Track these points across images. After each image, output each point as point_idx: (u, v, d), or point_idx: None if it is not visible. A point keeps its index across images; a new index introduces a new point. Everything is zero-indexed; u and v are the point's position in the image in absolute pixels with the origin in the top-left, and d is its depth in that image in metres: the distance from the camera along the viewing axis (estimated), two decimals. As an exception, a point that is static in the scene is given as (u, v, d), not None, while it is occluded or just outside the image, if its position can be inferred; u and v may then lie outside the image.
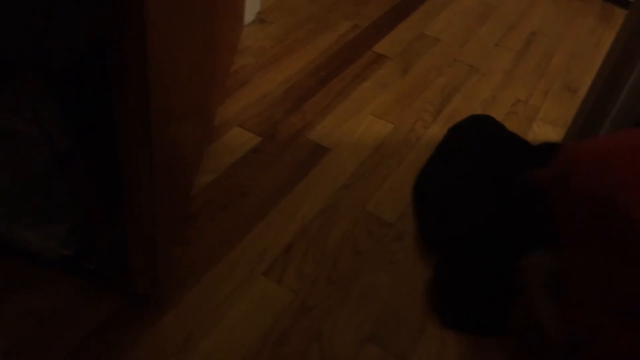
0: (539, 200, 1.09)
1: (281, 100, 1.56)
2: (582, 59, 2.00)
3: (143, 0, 0.68)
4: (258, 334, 1.00)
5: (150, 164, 0.85)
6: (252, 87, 1.59)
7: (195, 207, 1.22)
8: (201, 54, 1.14)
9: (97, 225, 1.05)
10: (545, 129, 1.64)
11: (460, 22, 2.10)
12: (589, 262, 0.85)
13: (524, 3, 2.31)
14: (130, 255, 0.96)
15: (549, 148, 1.40)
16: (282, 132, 1.46)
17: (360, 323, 1.06)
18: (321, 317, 1.05)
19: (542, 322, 0.89)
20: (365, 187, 1.35)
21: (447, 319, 1.07)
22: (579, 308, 0.83)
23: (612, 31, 2.18)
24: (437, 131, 1.56)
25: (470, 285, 1.10)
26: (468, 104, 1.69)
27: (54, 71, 0.92)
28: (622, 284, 0.79)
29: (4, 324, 0.95)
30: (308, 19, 1.93)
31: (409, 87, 1.72)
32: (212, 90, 1.35)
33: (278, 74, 1.66)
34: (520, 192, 1.18)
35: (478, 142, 1.45)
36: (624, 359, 0.76)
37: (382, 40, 1.91)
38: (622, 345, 0.77)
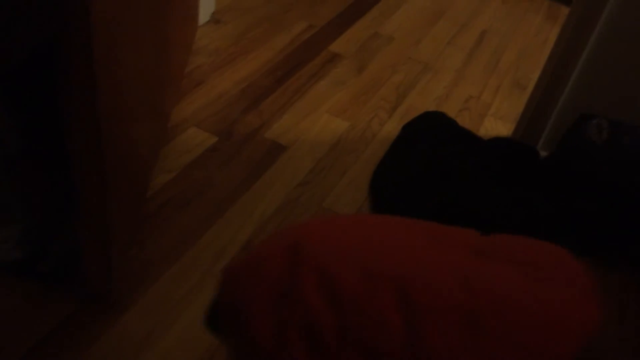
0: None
1: (238, 100, 1.57)
2: (531, 57, 2.07)
3: (89, 0, 0.68)
4: (217, 331, 1.01)
5: (101, 165, 0.84)
6: (208, 87, 1.59)
7: (152, 207, 1.21)
8: (154, 54, 1.14)
9: (50, 227, 1.04)
10: (496, 125, 1.70)
11: (414, 21, 2.14)
12: None
13: (475, 3, 2.37)
14: (84, 257, 0.95)
15: (499, 143, 1.45)
16: (239, 131, 1.47)
17: (319, 316, 1.07)
18: (280, 312, 1.06)
19: None
20: (323, 183, 1.37)
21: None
22: None
23: (558, 29, 2.26)
24: (392, 128, 1.59)
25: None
26: (422, 101, 1.73)
27: (1, 72, 0.91)
28: None
29: (-47, 330, 0.93)
30: (264, 19, 1.94)
31: (365, 85, 1.74)
32: (167, 90, 1.34)
33: (234, 73, 1.66)
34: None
35: (431, 138, 1.49)
36: None
37: (338, 39, 1.93)
38: None
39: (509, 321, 0.62)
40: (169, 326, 1.00)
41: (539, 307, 0.64)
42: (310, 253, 0.66)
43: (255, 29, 1.88)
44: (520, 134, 1.55)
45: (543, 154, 1.51)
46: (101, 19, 0.73)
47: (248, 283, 0.66)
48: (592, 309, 0.68)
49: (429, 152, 1.41)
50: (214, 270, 1.11)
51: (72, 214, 0.98)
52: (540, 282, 0.69)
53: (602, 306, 0.69)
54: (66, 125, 0.79)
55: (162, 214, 1.20)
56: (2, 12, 0.78)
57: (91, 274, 0.98)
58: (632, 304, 0.94)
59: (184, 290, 1.06)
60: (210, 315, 0.73)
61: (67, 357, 0.92)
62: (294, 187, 1.34)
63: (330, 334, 0.61)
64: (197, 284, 1.08)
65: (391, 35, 2.02)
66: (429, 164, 1.37)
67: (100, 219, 0.91)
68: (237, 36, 1.82)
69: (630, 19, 1.29)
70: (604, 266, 1.25)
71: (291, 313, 0.62)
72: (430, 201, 1.24)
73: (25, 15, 0.79)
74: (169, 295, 1.05)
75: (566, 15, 1.42)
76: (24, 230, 1.01)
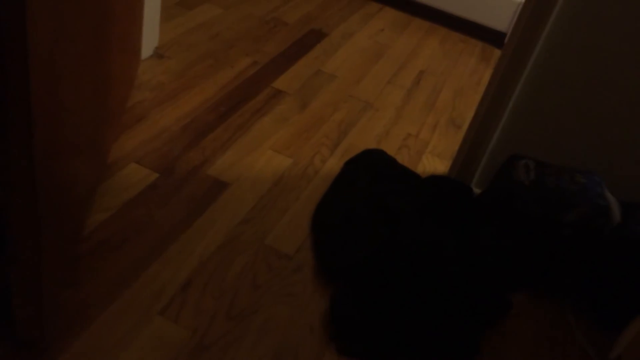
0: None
1: (180, 136, 1.56)
2: (466, 96, 2.17)
3: (25, 34, 0.68)
4: (153, 376, 0.98)
5: (34, 203, 0.82)
6: (150, 123, 1.58)
7: (87, 246, 1.18)
8: (93, 88, 1.12)
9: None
10: (433, 162, 1.76)
11: (355, 60, 2.21)
12: None
13: (413, 43, 2.47)
14: (14, 300, 0.91)
15: (435, 181, 1.51)
16: (180, 168, 1.46)
17: (260, 357, 1.07)
18: (219, 354, 1.05)
19: None
20: (265, 221, 1.38)
21: (343, 347, 1.11)
22: None
23: (491, 70, 2.38)
24: (334, 165, 1.62)
25: (364, 313, 1.15)
26: (363, 138, 1.77)
27: None
28: None
29: None
30: (207, 54, 1.95)
31: (307, 122, 1.78)
32: (106, 125, 1.32)
33: (177, 109, 1.66)
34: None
35: (371, 176, 1.52)
36: None
37: (281, 76, 1.97)
38: None
39: None
40: (103, 372, 0.96)
41: None
42: None
43: (199, 64, 1.89)
44: (456, 171, 1.61)
45: (477, 191, 1.57)
46: (39, 51, 0.72)
47: None
48: None
49: (368, 191, 1.44)
50: (151, 312, 1.09)
51: (0, 254, 0.94)
52: None
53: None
54: (-3, 164, 0.77)
55: (98, 254, 1.17)
56: None
57: (22, 318, 0.94)
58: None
59: (121, 333, 1.03)
60: None
61: (-10, 409, 0.88)
62: (235, 224, 1.34)
63: None
64: (134, 326, 1.05)
65: (333, 73, 2.08)
66: (369, 204, 1.40)
67: (31, 260, 0.88)
68: (181, 71, 1.83)
69: (556, 64, 1.38)
70: (531, 297, 1.31)
71: None
72: (367, 241, 1.27)
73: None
74: (103, 340, 1.02)
75: (498, 57, 1.51)
76: (-52, 274, 0.96)
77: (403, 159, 1.72)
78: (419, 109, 2.01)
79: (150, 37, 1.83)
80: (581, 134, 1.43)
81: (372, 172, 1.53)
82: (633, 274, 1.22)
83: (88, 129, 1.13)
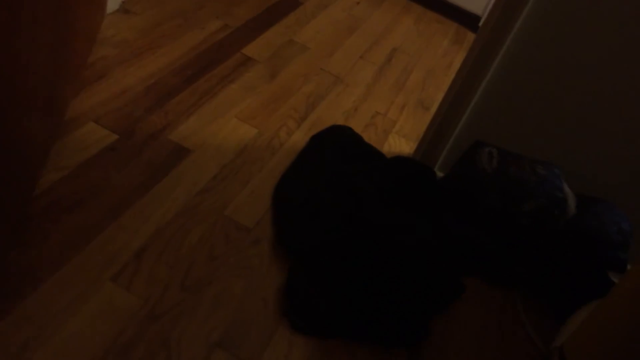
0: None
1: (142, 97, 1.51)
2: (436, 78, 2.17)
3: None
4: (101, 343, 0.96)
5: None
6: (112, 81, 1.52)
7: (38, 206, 1.14)
8: (52, 40, 1.07)
9: None
10: (399, 142, 1.76)
11: (329, 32, 2.17)
12: None
13: (388, 19, 2.45)
14: (-45, 260, 0.88)
15: (399, 162, 1.51)
16: (141, 131, 1.41)
17: (211, 329, 1.06)
18: (171, 324, 1.04)
19: None
20: (225, 191, 1.35)
21: (296, 323, 1.11)
22: None
23: (463, 53, 2.38)
24: (299, 138, 1.60)
25: (318, 291, 1.15)
26: (331, 113, 1.75)
27: None
28: None
29: None
30: (177, 13, 1.88)
31: (276, 92, 1.74)
32: (65, 80, 1.26)
33: (140, 69, 1.60)
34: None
35: (337, 153, 1.51)
36: None
37: (252, 42, 1.92)
38: None
39: None
40: (49, 337, 0.94)
41: None
42: None
43: (167, 23, 1.82)
44: (420, 153, 1.62)
45: (440, 174, 1.58)
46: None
47: None
48: None
49: (332, 169, 1.43)
50: (103, 278, 1.06)
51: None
52: None
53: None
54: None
55: (49, 215, 1.13)
56: None
57: (-38, 279, 0.90)
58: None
59: (68, 298, 1.01)
60: None
61: None
62: (195, 193, 1.32)
63: None
64: (83, 292, 1.03)
65: (305, 44, 2.04)
66: (333, 182, 1.39)
67: (-24, 221, 0.84)
68: (147, 29, 1.76)
69: (527, 54, 1.38)
70: (483, 283, 1.34)
71: None
72: (326, 222, 1.26)
73: None
74: (50, 303, 0.99)
75: (471, 41, 1.50)
76: None
77: (370, 137, 1.72)
78: (388, 87, 2.00)
79: (117, -9, 1.75)
80: (546, 125, 1.44)
81: (337, 149, 1.52)
82: (583, 266, 1.26)
83: (45, 82, 1.08)
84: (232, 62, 1.79)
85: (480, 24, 2.22)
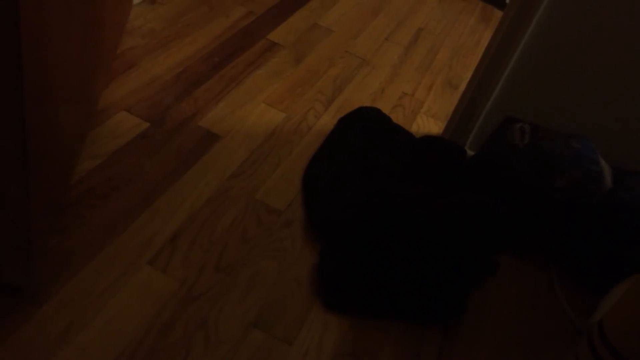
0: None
1: (171, 85, 1.53)
2: (464, 57, 2.13)
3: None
4: (141, 324, 0.99)
5: (22, 149, 0.80)
6: (141, 71, 1.54)
7: (76, 194, 1.17)
8: (83, 33, 1.09)
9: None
10: (428, 122, 1.74)
11: (353, 14, 2.16)
12: None
13: (412, 1, 2.42)
14: (1, 246, 0.90)
15: (429, 141, 1.49)
16: (171, 118, 1.43)
17: (247, 309, 1.07)
18: (207, 305, 1.06)
19: None
20: (256, 175, 1.36)
21: (330, 303, 1.12)
22: None
23: (490, 31, 2.34)
24: (327, 121, 1.60)
25: (352, 270, 1.15)
26: (358, 95, 1.75)
27: None
28: None
29: None
30: (201, 2, 1.90)
31: (302, 76, 1.74)
32: (96, 71, 1.29)
33: (169, 57, 1.62)
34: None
35: (365, 134, 1.51)
36: None
37: (277, 28, 1.92)
38: None
39: None
40: (90, 320, 0.97)
41: None
42: None
43: (193, 11, 1.83)
44: (450, 132, 1.60)
45: (470, 153, 1.56)
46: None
47: None
48: None
49: (361, 148, 1.43)
50: (139, 261, 1.09)
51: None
52: None
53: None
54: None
55: (87, 202, 1.16)
56: None
57: (8, 264, 0.93)
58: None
59: (107, 282, 1.03)
60: None
61: (-23, 352, 0.88)
62: (226, 178, 1.33)
63: None
64: (121, 276, 1.05)
65: (330, 27, 2.03)
66: (360, 161, 1.39)
67: (18, 206, 0.86)
68: (173, 18, 1.77)
69: (557, 29, 1.35)
70: (518, 259, 1.32)
71: None
72: (356, 200, 1.26)
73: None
74: (90, 287, 1.02)
75: (499, 18, 1.48)
76: None
77: (397, 118, 1.70)
78: (415, 68, 1.98)
79: (142, -18, 1.77)
80: (578, 99, 1.41)
81: (365, 130, 1.51)
82: (619, 240, 1.24)
83: (77, 74, 1.10)
84: (258, 48, 1.79)
85: (508, 1, 2.18)
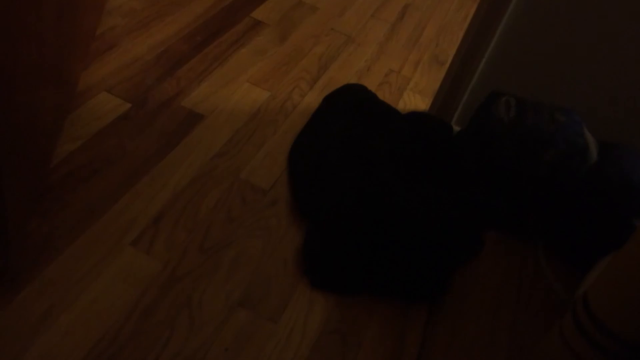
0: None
1: (153, 66, 1.50)
2: (451, 33, 2.11)
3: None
4: (124, 306, 0.98)
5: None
6: (121, 51, 1.51)
7: (56, 176, 1.15)
8: (58, 13, 1.06)
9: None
10: (414, 99, 1.73)
11: (339, -9, 2.12)
12: None
13: (400, -24, 2.38)
14: (-23, 230, 0.89)
15: (415, 117, 1.48)
16: (153, 99, 1.41)
17: (231, 289, 1.07)
18: (191, 285, 1.05)
19: None
20: (240, 154, 1.35)
21: (316, 281, 1.12)
22: None
23: (478, 7, 2.31)
24: (312, 99, 1.58)
25: (337, 249, 1.15)
26: (344, 73, 1.73)
27: None
28: None
29: None
30: (183, -20, 1.86)
31: (287, 55, 1.72)
32: (74, 52, 1.26)
33: (150, 37, 1.59)
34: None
35: (351, 112, 1.49)
36: None
37: (261, 6, 1.89)
38: None
39: None
40: (72, 302, 0.96)
41: None
42: None
43: (174, -10, 1.80)
44: (436, 108, 1.59)
45: (456, 129, 1.55)
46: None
47: None
48: None
49: (347, 127, 1.41)
50: (122, 243, 1.08)
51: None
52: None
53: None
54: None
55: (67, 185, 1.14)
56: None
57: (-15, 248, 0.92)
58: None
59: (89, 265, 1.02)
60: None
61: (-43, 336, 0.87)
62: (210, 158, 1.32)
63: None
64: (103, 258, 1.04)
65: (315, 4, 2.00)
66: (346, 140, 1.38)
67: (-7, 190, 0.85)
68: (154, -2, 1.74)
69: (540, 2, 1.33)
70: (503, 237, 1.32)
71: None
72: (341, 183, 1.25)
73: None
74: (72, 270, 1.00)
75: (483, -7, 1.45)
76: None
77: (384, 95, 1.69)
78: (402, 44, 1.96)
79: (121, -40, 1.73)
80: (563, 71, 1.40)
81: (351, 108, 1.50)
82: (606, 214, 1.23)
83: (53, 54, 1.08)
84: (242, 27, 1.76)
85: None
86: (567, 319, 1.02)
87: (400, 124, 1.46)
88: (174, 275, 1.06)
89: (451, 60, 1.54)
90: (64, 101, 1.23)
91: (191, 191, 1.22)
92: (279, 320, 1.04)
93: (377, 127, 1.44)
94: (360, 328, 1.08)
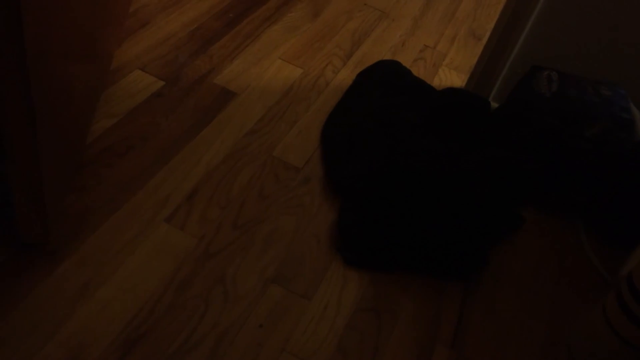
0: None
1: (186, 43, 1.50)
2: (488, 7, 2.05)
3: None
4: (159, 280, 0.99)
5: (30, 108, 0.79)
6: (155, 29, 1.51)
7: (92, 153, 1.16)
8: (92, -10, 1.06)
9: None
10: (450, 75, 1.68)
11: (373, -34, 2.08)
12: None
13: (436, -51, 2.31)
14: (17, 204, 0.91)
15: (451, 93, 1.44)
16: (186, 76, 1.41)
17: (265, 265, 1.07)
18: (225, 261, 1.05)
19: None
20: (273, 132, 1.34)
21: (350, 258, 1.10)
22: None
23: (517, -20, 2.23)
24: (346, 76, 1.56)
25: (371, 225, 1.13)
26: (377, 49, 1.69)
27: None
28: None
29: None
30: (215, -43, 1.84)
31: (320, 31, 1.69)
32: (108, 30, 1.27)
33: (182, 14, 1.58)
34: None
35: (384, 88, 1.46)
36: None
37: (293, -18, 1.86)
38: None
39: None
40: (109, 276, 0.97)
41: None
42: None
43: (206, -32, 1.78)
44: (473, 84, 1.55)
45: (494, 105, 1.51)
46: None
47: None
48: None
49: (381, 103, 1.39)
50: (157, 219, 1.08)
51: (1, 159, 0.92)
52: None
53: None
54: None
55: (103, 161, 1.15)
56: None
57: (25, 222, 0.94)
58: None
59: (125, 239, 1.03)
60: None
61: None
62: (243, 135, 1.31)
63: None
64: (139, 233, 1.05)
65: (348, -21, 1.96)
66: (380, 116, 1.35)
67: (31, 165, 0.86)
68: (187, -25, 1.73)
69: (585, -30, 1.27)
70: (544, 213, 1.28)
71: None
72: (375, 156, 1.23)
73: None
74: (108, 244, 1.02)
75: (523, -37, 1.39)
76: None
77: (419, 71, 1.65)
78: (437, 19, 1.91)
79: (154, -63, 1.72)
80: (607, 45, 1.34)
81: (385, 84, 1.47)
82: (652, 192, 1.18)
83: (87, 32, 1.08)
84: (274, 3, 1.74)
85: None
86: (611, 299, 0.99)
87: (436, 100, 1.43)
88: (208, 251, 1.06)
89: (489, 35, 1.49)
90: (99, 78, 1.24)
91: (224, 168, 1.22)
92: (312, 296, 1.04)
93: (411, 102, 1.41)
94: (396, 306, 1.07)
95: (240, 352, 0.93)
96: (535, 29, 1.40)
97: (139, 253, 1.02)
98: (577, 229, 1.31)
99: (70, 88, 1.00)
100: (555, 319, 1.12)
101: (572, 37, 1.37)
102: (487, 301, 1.12)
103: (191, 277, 1.01)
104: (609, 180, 1.21)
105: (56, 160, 0.95)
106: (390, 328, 1.03)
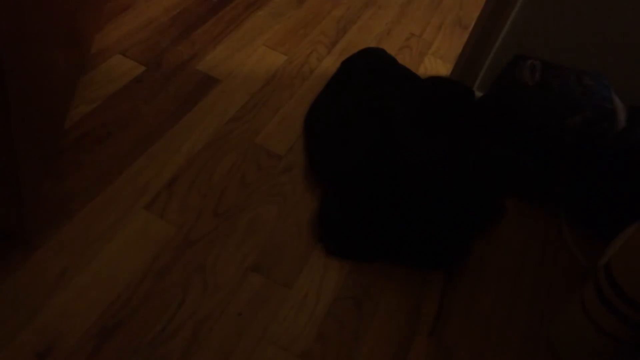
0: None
1: (168, 28, 1.48)
2: (475, -4, 2.04)
3: None
4: (137, 268, 0.98)
5: (2, 92, 0.77)
6: (136, 13, 1.49)
7: (71, 139, 1.14)
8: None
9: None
10: (435, 64, 1.68)
11: (359, -48, 2.06)
12: None
13: (423, -64, 2.29)
14: (-10, 190, 0.89)
15: (435, 82, 1.44)
16: (168, 62, 1.39)
17: (245, 254, 1.06)
18: (205, 249, 1.04)
19: None
20: (256, 119, 1.33)
21: (331, 248, 1.10)
22: None
23: (504, -31, 2.22)
24: (331, 63, 1.55)
25: (353, 214, 1.13)
26: (363, 37, 1.68)
27: None
28: None
29: None
30: (199, -59, 1.81)
31: (304, 18, 1.68)
32: (88, 13, 1.24)
33: (165, -1, 1.56)
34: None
35: (369, 76, 1.46)
36: None
37: (278, -33, 1.83)
38: None
39: None
40: (86, 264, 0.96)
41: None
42: None
43: (190, -49, 1.76)
44: (458, 73, 1.54)
45: (479, 94, 1.51)
46: None
47: None
48: None
49: (363, 92, 1.38)
50: (136, 207, 1.07)
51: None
52: None
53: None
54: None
55: (81, 147, 1.14)
56: None
57: (0, 210, 0.92)
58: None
59: (103, 227, 1.02)
60: None
61: (-27, 295, 0.88)
62: (225, 122, 1.29)
63: None
64: (117, 220, 1.04)
65: (335, -34, 1.94)
66: (364, 105, 1.35)
67: (6, 151, 0.84)
68: (170, -41, 1.70)
69: (570, -41, 1.27)
70: (528, 205, 1.28)
71: None
72: (357, 147, 1.22)
73: None
74: (86, 231, 1.00)
75: (509, -48, 1.39)
76: None
77: (404, 59, 1.64)
78: (424, 7, 1.89)
79: None
80: (591, 35, 1.34)
81: (369, 72, 1.46)
82: (631, 182, 1.19)
83: (66, 14, 1.06)
84: (258, -11, 1.72)
85: None
86: (589, 288, 0.99)
87: (420, 88, 1.42)
88: (188, 239, 1.05)
89: (474, 24, 1.49)
90: (77, 63, 1.22)
91: (205, 156, 1.21)
92: (293, 285, 1.03)
93: (396, 91, 1.40)
94: (376, 294, 1.07)
95: (219, 340, 0.93)
96: (520, 17, 1.39)
97: (117, 241, 1.01)
98: (558, 219, 1.31)
99: (47, 71, 0.98)
100: (536, 309, 1.13)
101: (557, 26, 1.36)
102: (468, 292, 1.12)
103: (170, 265, 1.00)
104: (591, 170, 1.22)
105: (32, 146, 0.93)
106: (370, 317, 1.03)
